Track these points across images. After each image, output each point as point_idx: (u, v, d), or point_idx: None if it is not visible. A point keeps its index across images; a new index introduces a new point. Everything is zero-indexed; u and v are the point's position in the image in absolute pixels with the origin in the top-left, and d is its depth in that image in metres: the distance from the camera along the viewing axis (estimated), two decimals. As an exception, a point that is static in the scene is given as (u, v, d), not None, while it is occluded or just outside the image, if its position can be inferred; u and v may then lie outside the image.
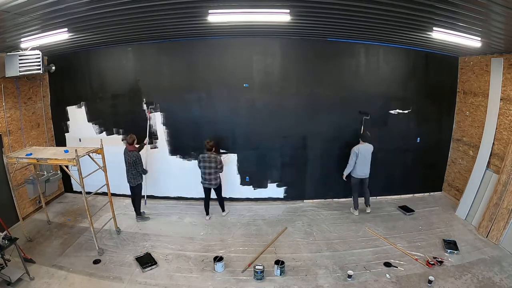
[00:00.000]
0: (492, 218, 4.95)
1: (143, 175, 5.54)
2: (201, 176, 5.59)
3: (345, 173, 5.81)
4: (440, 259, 4.44)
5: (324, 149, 6.26)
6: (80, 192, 4.68)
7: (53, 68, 5.78)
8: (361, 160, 5.63)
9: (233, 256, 4.69)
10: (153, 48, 5.84)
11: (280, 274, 4.25)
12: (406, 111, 6.20)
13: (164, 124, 6.19)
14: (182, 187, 6.50)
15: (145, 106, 6.09)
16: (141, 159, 5.41)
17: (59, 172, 6.21)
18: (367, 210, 6.01)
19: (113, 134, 6.36)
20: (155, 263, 4.49)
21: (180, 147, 6.31)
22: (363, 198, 6.03)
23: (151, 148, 6.26)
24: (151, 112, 6.08)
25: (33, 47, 4.78)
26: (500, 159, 5.10)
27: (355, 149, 5.64)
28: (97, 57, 6.03)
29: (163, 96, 6.06)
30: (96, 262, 4.52)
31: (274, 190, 6.48)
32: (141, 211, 5.81)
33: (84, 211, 4.95)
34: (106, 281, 4.13)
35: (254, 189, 6.46)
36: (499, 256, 4.55)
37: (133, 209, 5.77)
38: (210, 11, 3.72)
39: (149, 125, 6.06)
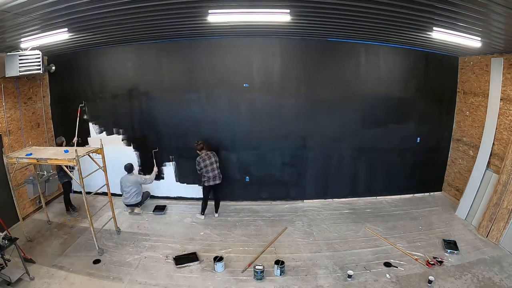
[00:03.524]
0: (492, 218, 4.95)
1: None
2: (205, 176, 5.58)
3: None
4: (440, 259, 4.44)
5: (324, 149, 6.25)
6: (80, 192, 4.68)
7: (53, 68, 5.77)
8: None
9: (233, 256, 4.69)
10: (153, 48, 5.83)
11: (280, 274, 4.25)
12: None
13: (164, 124, 6.19)
14: (182, 187, 6.49)
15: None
16: None
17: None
18: None
19: (113, 134, 6.35)
20: (197, 259, 4.56)
21: (180, 147, 6.30)
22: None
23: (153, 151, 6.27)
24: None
25: (33, 47, 4.77)
26: (500, 159, 5.10)
27: None
28: (97, 57, 6.02)
29: (163, 95, 6.05)
30: (96, 262, 4.52)
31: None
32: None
33: (84, 211, 4.94)
34: (106, 281, 4.13)
35: (254, 189, 6.45)
36: (499, 256, 4.55)
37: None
38: (210, 11, 3.72)
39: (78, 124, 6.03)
